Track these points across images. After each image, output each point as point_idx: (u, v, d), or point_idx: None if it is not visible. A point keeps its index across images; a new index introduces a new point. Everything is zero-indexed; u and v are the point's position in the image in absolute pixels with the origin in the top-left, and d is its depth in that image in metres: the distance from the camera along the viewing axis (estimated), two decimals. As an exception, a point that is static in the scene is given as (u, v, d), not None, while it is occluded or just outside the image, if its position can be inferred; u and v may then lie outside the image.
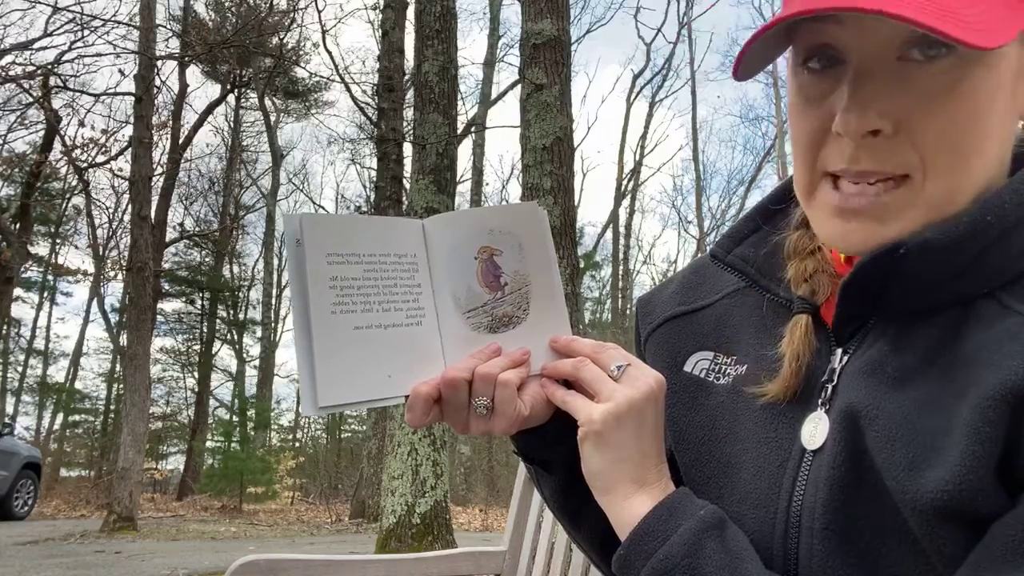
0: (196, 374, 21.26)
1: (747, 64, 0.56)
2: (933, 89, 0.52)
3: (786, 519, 0.58)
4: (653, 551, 0.56)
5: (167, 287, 20.67)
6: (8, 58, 13.26)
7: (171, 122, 15.83)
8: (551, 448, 0.70)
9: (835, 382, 0.59)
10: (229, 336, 23.29)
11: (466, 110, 19.23)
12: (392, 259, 0.65)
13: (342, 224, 0.65)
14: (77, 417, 22.13)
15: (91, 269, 17.88)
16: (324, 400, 0.59)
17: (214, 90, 20.67)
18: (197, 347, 21.97)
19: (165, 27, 14.54)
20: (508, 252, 0.67)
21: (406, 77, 10.26)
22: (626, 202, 25.21)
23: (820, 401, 0.59)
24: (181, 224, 22.04)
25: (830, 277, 0.64)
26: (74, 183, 17.86)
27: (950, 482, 0.49)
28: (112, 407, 21.31)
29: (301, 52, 18.45)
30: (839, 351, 0.60)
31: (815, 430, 0.58)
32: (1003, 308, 0.53)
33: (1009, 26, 0.50)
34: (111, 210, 20.18)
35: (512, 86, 18.41)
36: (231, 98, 20.88)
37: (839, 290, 0.59)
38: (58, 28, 13.70)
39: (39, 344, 22.85)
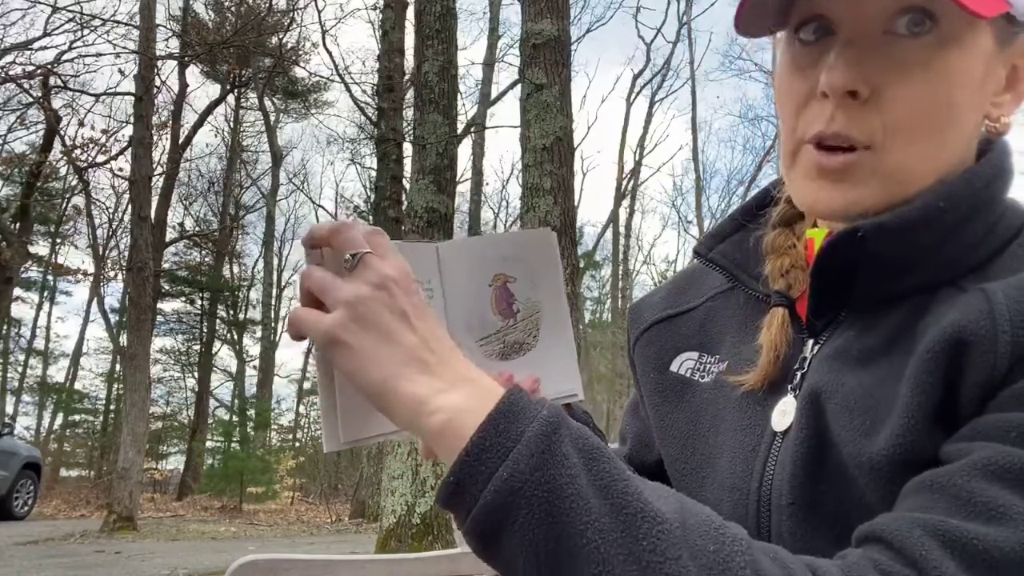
0: (196, 374, 21.26)
1: (747, 20, 0.60)
2: (911, 61, 0.55)
3: (757, 499, 0.61)
4: (494, 469, 0.45)
5: (167, 287, 20.66)
6: (8, 58, 13.27)
7: (171, 122, 15.85)
8: None
9: (805, 369, 0.62)
10: (229, 336, 23.30)
11: (466, 110, 19.23)
12: None
13: None
14: (77, 417, 22.13)
15: (91, 269, 17.87)
16: (346, 436, 0.58)
17: (214, 90, 20.64)
18: (197, 347, 21.97)
19: (165, 27, 14.55)
20: (521, 279, 0.68)
21: (406, 77, 10.27)
22: (626, 202, 25.22)
23: (791, 387, 0.63)
24: (181, 224, 22.06)
25: (804, 272, 0.67)
26: (74, 183, 17.89)
27: (899, 435, 0.52)
28: (112, 407, 21.31)
29: (301, 52, 18.46)
30: (811, 341, 0.63)
31: (784, 413, 0.62)
32: (961, 291, 0.56)
33: (997, 2, 0.53)
34: (111, 210, 20.19)
35: (512, 86, 18.41)
36: (231, 98, 20.89)
37: (809, 277, 0.62)
38: (58, 28, 13.72)
39: (39, 344, 22.85)
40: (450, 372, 0.50)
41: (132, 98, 10.99)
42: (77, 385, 22.25)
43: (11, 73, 12.52)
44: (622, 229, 25.29)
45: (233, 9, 18.58)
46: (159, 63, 12.10)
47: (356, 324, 0.50)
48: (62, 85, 13.46)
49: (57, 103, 13.85)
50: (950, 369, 0.51)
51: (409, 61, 9.76)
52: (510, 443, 0.46)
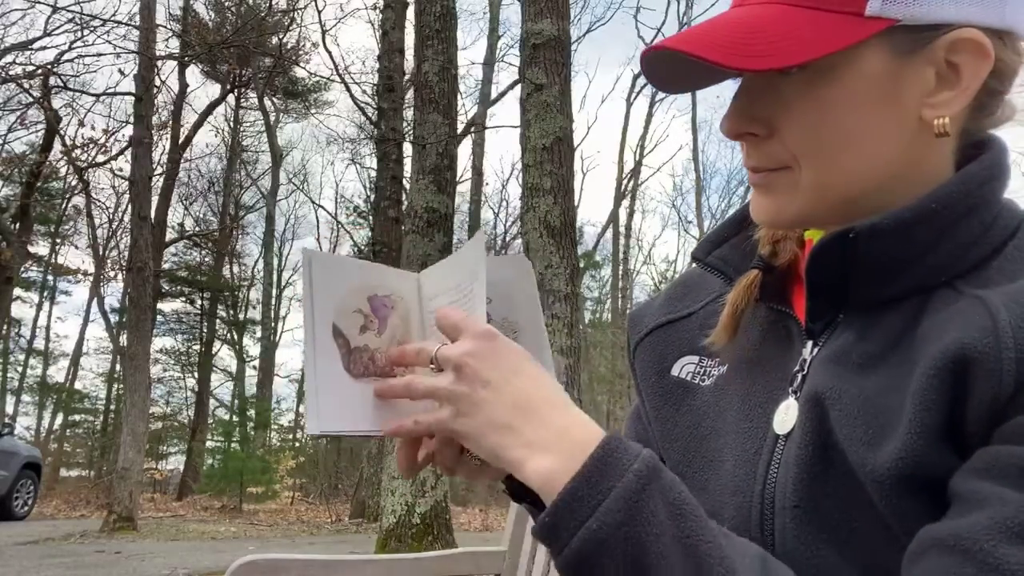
0: (196, 374, 21.26)
1: (659, 76, 0.65)
2: (792, 97, 0.59)
3: (761, 501, 0.60)
4: (583, 519, 0.50)
5: (167, 287, 20.67)
6: (8, 58, 13.27)
7: (171, 122, 15.87)
8: None
9: (805, 371, 0.62)
10: (229, 336, 23.30)
11: (466, 110, 19.25)
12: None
13: (348, 267, 0.67)
14: (77, 417, 22.17)
15: (91, 269, 17.92)
16: (323, 426, 0.62)
17: (214, 90, 20.68)
18: (197, 347, 21.97)
19: (165, 27, 14.52)
20: (497, 301, 0.70)
21: (406, 77, 10.27)
22: (626, 202, 25.24)
23: (792, 389, 0.63)
24: (181, 224, 22.07)
25: (793, 244, 0.69)
26: (74, 183, 17.88)
27: (902, 450, 0.51)
28: (112, 407, 21.33)
29: (301, 52, 18.44)
30: (809, 343, 0.64)
31: (786, 416, 0.62)
32: (957, 293, 0.56)
33: (811, 49, 0.55)
34: (111, 210, 20.19)
35: (512, 86, 18.40)
36: (231, 98, 20.89)
37: (804, 279, 0.63)
38: (58, 28, 13.72)
39: (39, 344, 22.87)
40: (542, 433, 0.55)
41: (132, 98, 10.97)
42: (77, 385, 22.31)
43: (11, 73, 12.52)
44: (622, 229, 25.33)
45: (233, 9, 18.58)
46: (159, 63, 12.09)
47: (460, 416, 0.57)
48: (62, 85, 13.45)
49: (57, 103, 13.87)
50: (955, 387, 0.51)
51: (409, 61, 9.76)
52: (600, 496, 0.50)
